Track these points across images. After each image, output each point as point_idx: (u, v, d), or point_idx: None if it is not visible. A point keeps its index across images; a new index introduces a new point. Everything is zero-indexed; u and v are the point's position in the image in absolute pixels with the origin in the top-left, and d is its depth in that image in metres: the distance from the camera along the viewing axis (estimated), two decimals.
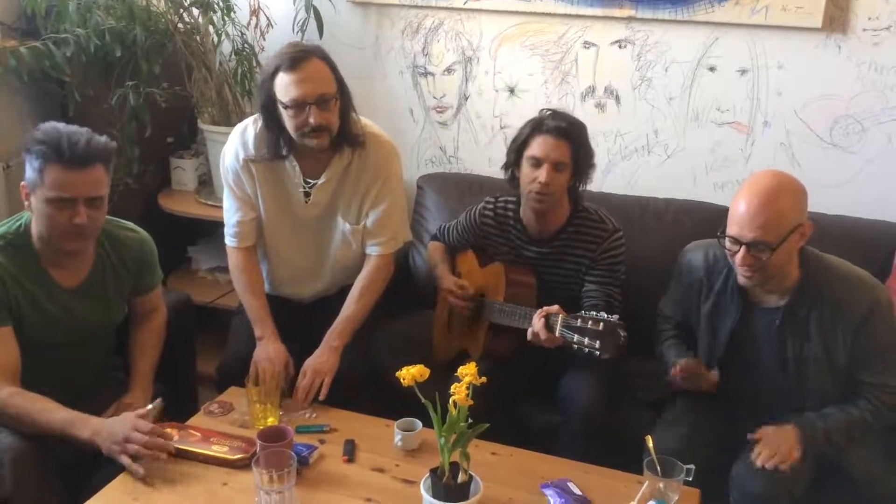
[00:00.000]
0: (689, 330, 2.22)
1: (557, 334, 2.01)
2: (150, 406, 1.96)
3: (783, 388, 2.05)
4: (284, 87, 2.13)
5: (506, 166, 2.39)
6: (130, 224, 2.25)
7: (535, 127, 2.27)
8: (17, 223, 2.05)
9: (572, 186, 2.33)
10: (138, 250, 2.22)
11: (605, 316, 1.92)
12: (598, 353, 1.90)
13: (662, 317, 2.31)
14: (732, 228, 1.91)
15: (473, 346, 2.46)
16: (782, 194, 1.89)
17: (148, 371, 2.22)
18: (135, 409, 2.03)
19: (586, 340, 1.91)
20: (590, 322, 1.92)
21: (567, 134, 2.24)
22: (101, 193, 1.96)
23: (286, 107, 2.14)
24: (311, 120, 2.13)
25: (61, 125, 1.96)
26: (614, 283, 2.34)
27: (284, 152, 2.26)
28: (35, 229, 2.02)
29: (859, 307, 1.94)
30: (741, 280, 1.98)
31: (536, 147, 2.25)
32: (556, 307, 2.07)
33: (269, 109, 2.20)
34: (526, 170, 2.29)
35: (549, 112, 2.31)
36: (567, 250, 2.37)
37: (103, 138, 1.98)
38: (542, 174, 2.23)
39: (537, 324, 2.07)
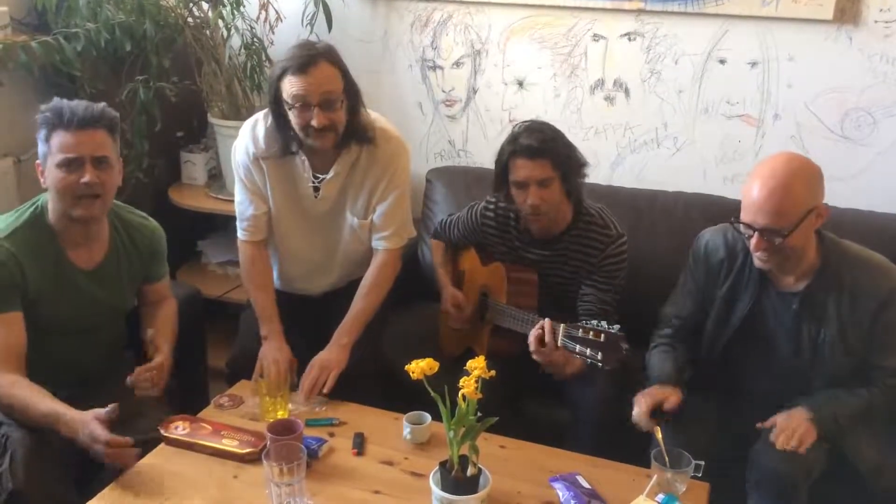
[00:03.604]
0: (693, 326, 2.19)
1: (559, 343, 1.99)
2: (107, 408, 1.82)
3: (795, 373, 2.04)
4: (289, 88, 2.14)
5: (495, 188, 2.36)
6: (142, 212, 2.28)
7: (511, 150, 2.24)
8: (33, 206, 2.07)
9: (568, 189, 2.29)
10: (150, 237, 2.25)
11: (607, 327, 1.90)
12: (600, 364, 1.88)
13: (663, 320, 2.26)
14: (745, 215, 1.90)
15: (478, 346, 2.46)
16: (795, 179, 1.86)
17: (169, 335, 2.21)
18: (151, 370, 2.05)
19: (588, 351, 1.90)
20: (591, 333, 1.91)
21: (541, 152, 2.20)
22: (105, 153, 2.00)
23: (291, 107, 2.16)
24: (314, 122, 2.14)
25: (64, 100, 2.01)
26: (612, 291, 2.33)
27: (294, 149, 2.28)
28: (51, 206, 2.04)
29: (879, 292, 1.93)
30: (757, 263, 1.97)
31: (517, 171, 2.23)
32: (549, 323, 2.05)
33: (277, 110, 2.22)
34: (514, 192, 2.27)
35: (524, 126, 2.27)
36: (569, 254, 2.35)
37: (102, 104, 2.03)
38: (530, 196, 2.22)
39: (538, 336, 2.05)
